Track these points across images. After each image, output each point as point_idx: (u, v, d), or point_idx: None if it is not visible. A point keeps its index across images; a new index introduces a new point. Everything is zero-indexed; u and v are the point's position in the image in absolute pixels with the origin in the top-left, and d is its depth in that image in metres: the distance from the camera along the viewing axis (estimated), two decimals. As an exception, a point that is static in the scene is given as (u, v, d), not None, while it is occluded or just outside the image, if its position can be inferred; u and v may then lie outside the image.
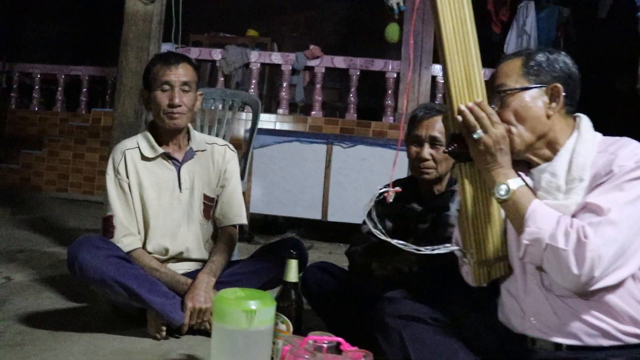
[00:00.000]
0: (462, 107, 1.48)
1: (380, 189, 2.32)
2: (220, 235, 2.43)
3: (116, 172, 2.30)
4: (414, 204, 2.29)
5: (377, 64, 6.00)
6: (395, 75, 5.96)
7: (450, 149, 1.53)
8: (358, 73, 6.02)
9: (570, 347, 1.48)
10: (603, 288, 1.39)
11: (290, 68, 6.09)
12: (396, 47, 6.18)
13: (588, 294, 1.42)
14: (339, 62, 6.06)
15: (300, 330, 1.79)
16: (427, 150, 2.20)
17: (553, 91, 1.53)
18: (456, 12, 1.50)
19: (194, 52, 6.04)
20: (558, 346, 1.50)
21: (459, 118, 1.48)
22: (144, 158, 2.33)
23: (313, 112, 5.95)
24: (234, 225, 2.46)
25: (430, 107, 2.28)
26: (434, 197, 2.27)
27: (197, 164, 2.39)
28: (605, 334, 1.44)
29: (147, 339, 2.11)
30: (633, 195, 1.38)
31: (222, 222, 2.43)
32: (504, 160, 1.48)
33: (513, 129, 1.51)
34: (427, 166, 2.21)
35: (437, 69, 5.96)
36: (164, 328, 2.11)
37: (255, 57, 6.09)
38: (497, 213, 1.59)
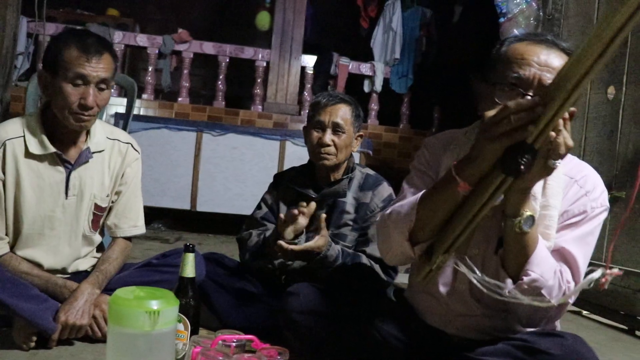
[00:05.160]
0: (562, 126, 1.18)
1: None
2: (112, 244, 2.14)
3: None
4: (310, 190, 2.29)
5: (247, 52, 5.91)
6: (265, 64, 5.91)
7: (523, 162, 1.17)
8: (227, 60, 5.89)
9: (482, 340, 1.55)
10: None
11: (157, 51, 5.82)
12: (267, 36, 6.13)
13: None
14: (208, 48, 5.88)
15: (198, 329, 1.70)
16: (329, 136, 2.21)
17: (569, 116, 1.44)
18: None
19: (50, 28, 5.56)
20: (472, 340, 1.57)
21: (552, 135, 1.17)
22: (28, 155, 1.92)
23: (180, 99, 5.74)
24: (129, 238, 2.18)
25: (334, 95, 2.29)
26: (330, 184, 2.28)
27: (91, 168, 2.03)
28: (517, 333, 1.54)
29: (16, 350, 1.83)
30: (596, 236, 1.49)
31: (115, 233, 2.15)
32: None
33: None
34: (328, 152, 2.22)
35: (306, 59, 6.01)
36: (34, 338, 1.82)
37: (119, 38, 5.74)
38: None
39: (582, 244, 1.44)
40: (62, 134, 1.97)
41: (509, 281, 1.36)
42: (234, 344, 1.49)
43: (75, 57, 1.85)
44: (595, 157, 3.24)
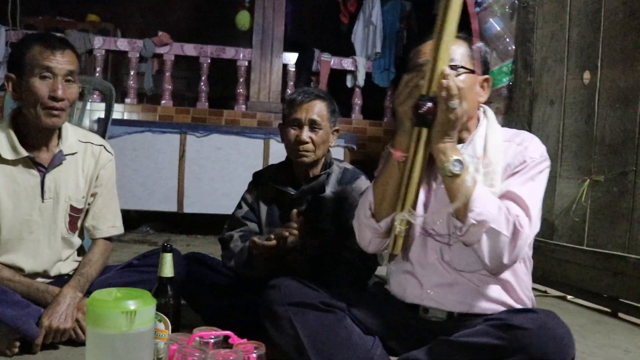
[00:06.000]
0: (448, 71, 1.49)
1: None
2: (93, 246, 2.18)
3: None
4: (289, 188, 2.30)
5: (229, 52, 5.91)
6: (246, 64, 5.91)
7: (423, 110, 1.51)
8: (209, 61, 5.89)
9: (460, 314, 1.66)
10: None
11: (138, 55, 5.80)
12: (247, 35, 6.13)
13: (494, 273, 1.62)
14: (189, 49, 5.87)
15: (179, 327, 1.71)
16: (306, 133, 2.21)
17: (486, 82, 1.70)
18: None
19: (29, 37, 5.55)
20: (450, 314, 1.68)
21: (444, 82, 1.48)
22: (1, 160, 1.95)
23: (163, 102, 5.73)
24: (108, 238, 2.23)
25: (309, 91, 2.29)
26: (309, 180, 2.29)
27: (65, 170, 2.06)
28: (492, 301, 1.65)
29: (0, 357, 1.84)
30: (542, 186, 1.62)
31: (94, 234, 2.19)
32: (456, 136, 1.55)
33: (464, 105, 1.53)
34: (306, 149, 2.22)
35: (287, 57, 6.01)
36: (17, 344, 1.84)
37: (100, 43, 5.71)
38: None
39: (525, 186, 1.58)
40: (34, 138, 2.00)
41: (459, 224, 1.53)
42: (211, 340, 1.50)
43: (39, 52, 1.90)
44: (574, 142, 3.27)
